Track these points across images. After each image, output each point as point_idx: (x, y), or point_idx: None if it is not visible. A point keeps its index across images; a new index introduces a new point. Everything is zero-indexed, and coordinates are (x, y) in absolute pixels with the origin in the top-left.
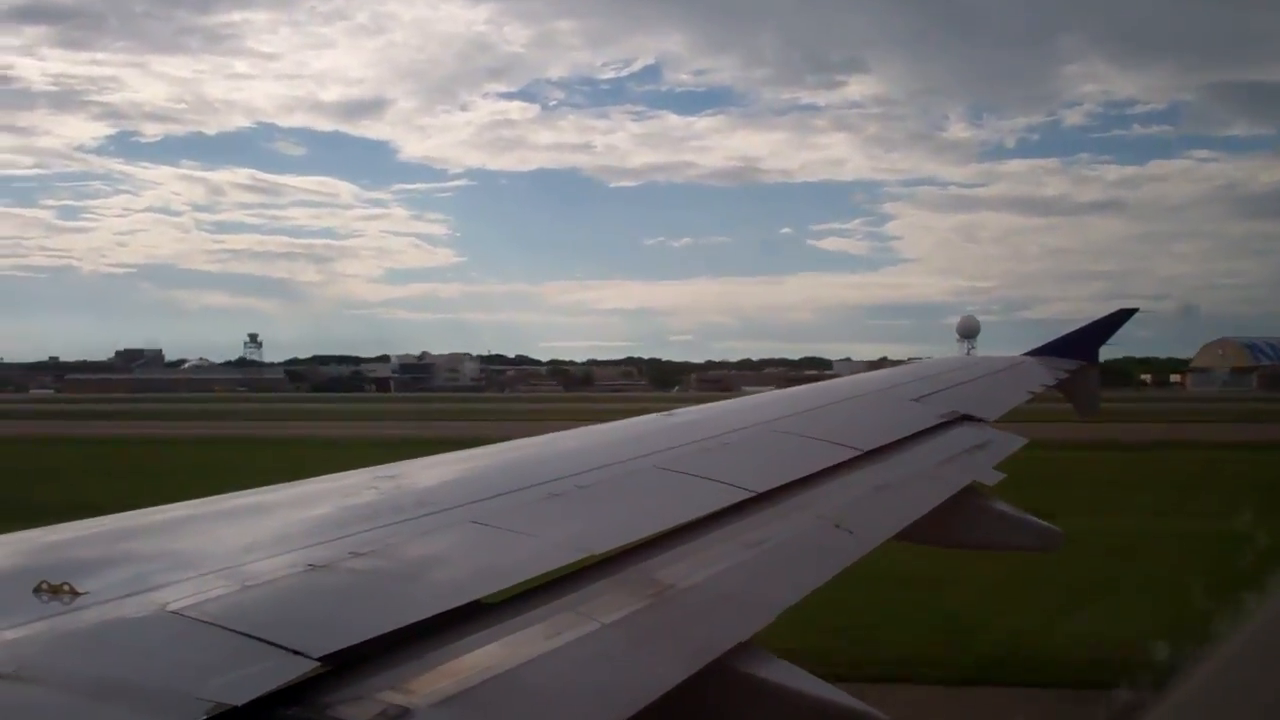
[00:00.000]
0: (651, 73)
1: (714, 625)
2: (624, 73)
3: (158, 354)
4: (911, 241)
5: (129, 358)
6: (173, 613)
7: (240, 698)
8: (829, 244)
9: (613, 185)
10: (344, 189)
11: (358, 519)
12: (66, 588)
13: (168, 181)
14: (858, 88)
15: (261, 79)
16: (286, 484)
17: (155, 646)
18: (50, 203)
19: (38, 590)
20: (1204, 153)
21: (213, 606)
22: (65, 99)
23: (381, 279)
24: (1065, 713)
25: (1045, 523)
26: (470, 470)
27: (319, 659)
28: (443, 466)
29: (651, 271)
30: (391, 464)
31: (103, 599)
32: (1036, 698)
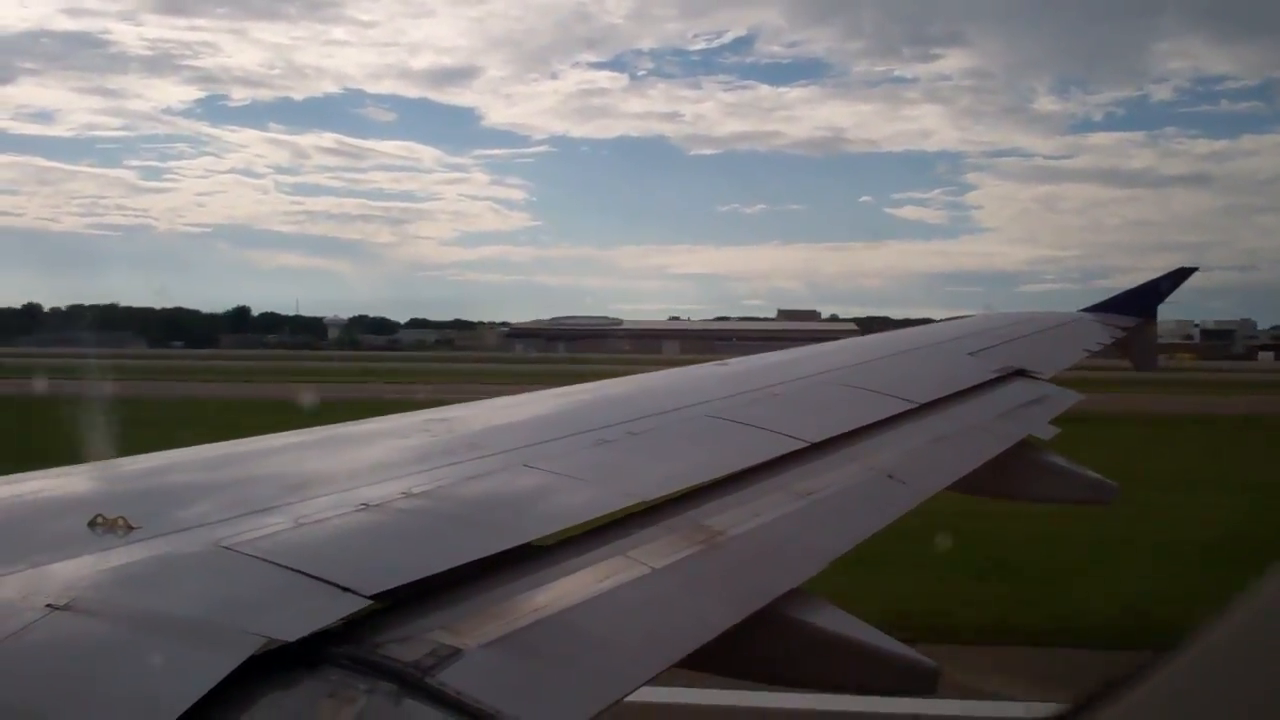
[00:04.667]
0: (744, 44)
1: (765, 572)
2: (715, 44)
3: (617, 322)
4: (991, 211)
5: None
6: (225, 548)
7: (292, 634)
8: (907, 212)
9: (692, 153)
10: (426, 154)
11: (410, 460)
12: (121, 521)
13: (253, 144)
14: (954, 61)
15: (357, 46)
16: (338, 424)
17: (208, 581)
18: (134, 163)
19: (93, 524)
20: None
21: (266, 543)
22: (159, 63)
23: (454, 241)
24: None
25: (1099, 475)
26: (522, 415)
27: (371, 597)
28: (494, 410)
29: (723, 237)
30: (443, 407)
31: (156, 533)
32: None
